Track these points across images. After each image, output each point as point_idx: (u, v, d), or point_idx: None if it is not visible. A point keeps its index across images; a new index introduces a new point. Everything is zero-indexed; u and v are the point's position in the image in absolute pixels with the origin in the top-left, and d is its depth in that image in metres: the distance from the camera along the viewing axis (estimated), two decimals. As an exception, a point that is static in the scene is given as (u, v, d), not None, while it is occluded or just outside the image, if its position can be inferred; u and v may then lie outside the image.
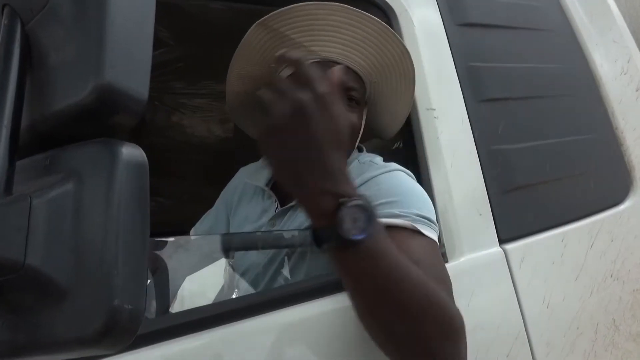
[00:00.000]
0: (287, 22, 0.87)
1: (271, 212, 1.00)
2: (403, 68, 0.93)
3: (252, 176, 1.09)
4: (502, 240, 0.93)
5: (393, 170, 0.87)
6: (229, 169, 1.23)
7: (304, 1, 0.85)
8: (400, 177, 0.86)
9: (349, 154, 0.95)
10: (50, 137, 0.54)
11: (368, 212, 0.55)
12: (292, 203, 0.95)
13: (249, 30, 0.89)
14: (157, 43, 1.54)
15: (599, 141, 1.13)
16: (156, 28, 1.46)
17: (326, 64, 0.90)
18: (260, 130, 0.55)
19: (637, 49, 1.25)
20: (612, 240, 1.03)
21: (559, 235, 0.98)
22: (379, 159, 0.94)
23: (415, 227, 0.75)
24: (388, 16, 1.05)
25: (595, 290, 0.97)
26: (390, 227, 0.75)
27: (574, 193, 1.05)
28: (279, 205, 1.00)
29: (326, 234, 0.56)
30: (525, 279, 0.91)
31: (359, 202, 0.55)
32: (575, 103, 1.15)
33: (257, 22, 0.88)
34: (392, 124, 1.03)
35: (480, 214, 0.94)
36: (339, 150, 0.55)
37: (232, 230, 1.13)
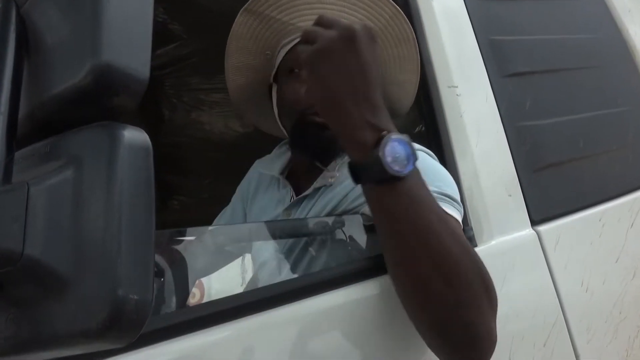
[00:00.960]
0: (270, 3, 0.84)
1: (287, 202, 0.97)
2: (399, 31, 0.87)
3: (267, 166, 1.06)
4: (535, 221, 0.88)
5: None
6: (250, 164, 1.20)
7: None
8: (421, 155, 0.81)
9: None
10: (50, 123, 0.52)
11: (409, 148, 0.54)
12: (307, 192, 0.92)
13: (236, 20, 0.86)
14: (170, 37, 1.52)
15: (635, 113, 1.06)
16: (168, 22, 1.45)
17: None
18: (309, 55, 0.56)
19: (673, 14, 1.17)
20: (655, 218, 0.96)
21: (596, 214, 0.92)
22: None
23: None
24: (404, -7, 1.00)
25: (639, 271, 0.91)
26: None
27: (610, 169, 0.98)
28: (294, 194, 0.96)
29: (366, 167, 0.55)
30: (561, 262, 0.85)
31: (401, 137, 0.54)
32: (608, 74, 1.08)
33: (241, 9, 0.84)
34: (403, 97, 0.97)
35: (510, 195, 0.89)
36: (378, 87, 0.56)
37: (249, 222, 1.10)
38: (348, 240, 0.85)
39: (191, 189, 2.52)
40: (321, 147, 0.85)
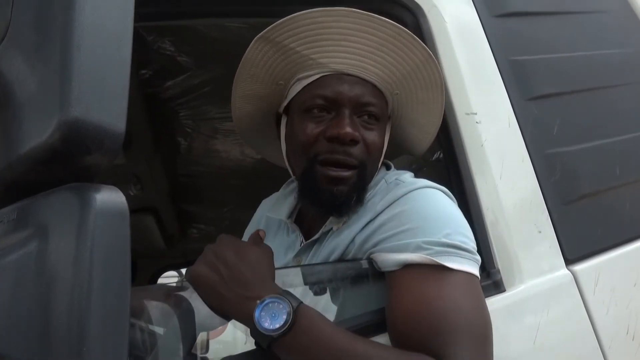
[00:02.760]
0: (290, 34, 0.78)
1: (296, 247, 0.90)
2: (427, 75, 0.81)
3: (274, 209, 1.00)
4: (569, 260, 0.79)
5: (420, 188, 0.75)
6: (268, 190, 1.15)
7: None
8: (428, 195, 0.75)
9: (373, 175, 0.84)
10: (20, 185, 0.47)
11: (282, 307, 0.61)
12: (316, 236, 0.85)
13: (250, 46, 0.81)
14: (180, 69, 1.50)
15: (677, 134, 0.96)
16: (176, 54, 1.41)
17: (337, 76, 0.80)
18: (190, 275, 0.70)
19: None
20: None
21: (638, 250, 0.82)
22: (406, 176, 0.83)
23: (437, 262, 0.64)
24: (415, 15, 0.95)
25: (692, 314, 0.80)
26: (412, 266, 0.67)
27: (653, 198, 0.89)
28: (303, 239, 0.90)
29: (254, 334, 0.62)
30: (602, 305, 0.76)
31: (274, 298, 0.62)
32: (643, 91, 0.99)
33: (257, 36, 0.79)
34: (422, 138, 0.91)
35: (540, 231, 0.80)
36: (254, 267, 0.67)
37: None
38: (357, 288, 0.79)
39: (211, 217, 2.50)
40: (335, 204, 0.79)
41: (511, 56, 0.95)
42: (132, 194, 2.05)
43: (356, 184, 0.78)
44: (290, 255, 0.90)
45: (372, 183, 0.84)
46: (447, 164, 0.88)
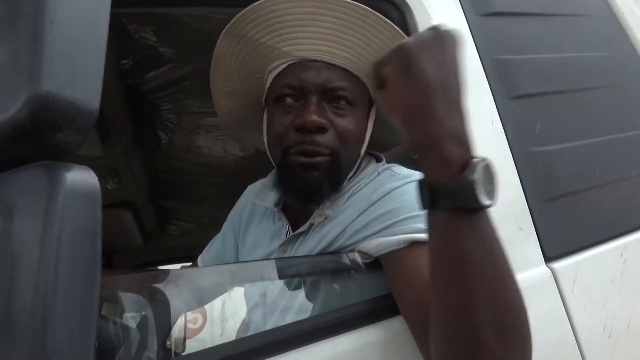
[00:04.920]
0: (253, 25, 0.77)
1: (282, 236, 0.89)
2: None
3: (260, 196, 0.99)
4: (549, 258, 0.79)
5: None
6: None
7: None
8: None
9: (353, 162, 0.83)
10: (-14, 163, 0.45)
11: (495, 175, 0.50)
12: (303, 228, 0.84)
13: (218, 44, 0.79)
14: (161, 60, 1.47)
15: (656, 137, 0.98)
16: (158, 45, 1.38)
17: (303, 64, 0.79)
18: (399, 51, 0.52)
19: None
20: (682, 253, 0.87)
21: (616, 249, 0.83)
22: (400, 169, 0.82)
23: None
24: (402, 11, 0.94)
25: (668, 313, 0.81)
26: (418, 244, 0.66)
27: (631, 199, 0.90)
28: (290, 229, 0.89)
29: (453, 191, 0.48)
30: (580, 303, 0.77)
31: (489, 164, 0.50)
32: (625, 94, 1.01)
33: (223, 32, 0.78)
34: None
35: (521, 229, 0.80)
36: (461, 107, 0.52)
37: (242, 256, 1.03)
38: (346, 280, 0.77)
39: (190, 214, 2.46)
40: (308, 191, 0.78)
41: (496, 55, 0.95)
42: (109, 187, 2.01)
43: (329, 170, 0.77)
44: (276, 243, 0.89)
45: (363, 173, 0.83)
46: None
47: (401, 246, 0.67)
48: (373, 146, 0.89)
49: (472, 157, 0.49)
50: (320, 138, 0.76)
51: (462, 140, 0.49)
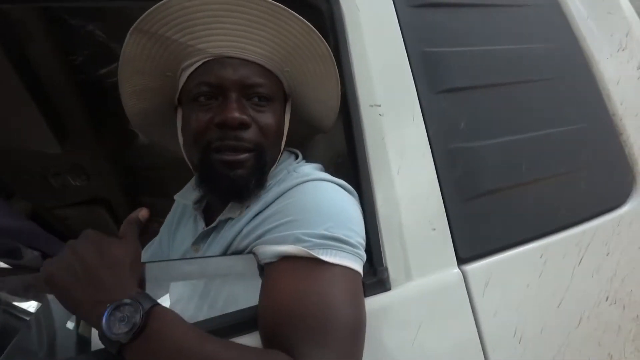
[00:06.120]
0: (163, 23, 0.74)
1: (196, 235, 0.87)
2: (313, 48, 0.78)
3: (183, 194, 0.97)
4: (462, 259, 0.76)
5: (310, 181, 0.72)
6: None
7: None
8: (318, 188, 0.71)
9: (275, 158, 0.80)
10: None
11: (132, 310, 0.57)
12: (213, 224, 0.82)
13: (126, 41, 0.76)
14: (114, 57, 1.45)
15: (591, 131, 0.94)
16: (108, 40, 1.32)
17: (219, 61, 0.76)
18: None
19: (638, 18, 1.05)
20: (607, 254, 0.83)
21: (536, 250, 0.80)
22: (305, 168, 0.79)
23: (312, 255, 0.61)
24: (330, 2, 0.91)
25: (585, 318, 0.78)
26: (287, 259, 0.64)
27: (558, 197, 0.86)
28: (205, 227, 0.86)
29: (102, 339, 0.58)
30: (490, 307, 0.73)
31: (125, 300, 0.58)
32: (562, 87, 0.96)
33: (131, 28, 0.75)
34: (326, 114, 0.88)
35: (434, 229, 0.77)
36: (114, 268, 0.61)
37: (170, 256, 1.01)
38: (241, 282, 0.75)
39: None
40: (234, 189, 0.76)
41: (425, 48, 0.91)
42: (77, 184, 2.00)
43: (254, 166, 0.75)
44: (189, 242, 0.87)
45: (275, 171, 0.81)
46: (349, 156, 0.85)
47: (272, 260, 0.65)
48: (290, 142, 0.86)
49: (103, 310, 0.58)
50: (244, 134, 0.74)
51: (100, 301, 0.58)
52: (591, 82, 0.98)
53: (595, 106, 0.96)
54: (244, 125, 0.74)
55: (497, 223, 0.80)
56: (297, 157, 0.87)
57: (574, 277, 0.79)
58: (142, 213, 0.68)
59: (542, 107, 0.93)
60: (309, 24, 0.76)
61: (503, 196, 0.82)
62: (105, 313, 0.56)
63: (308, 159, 0.91)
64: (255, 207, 0.75)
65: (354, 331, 0.61)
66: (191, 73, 0.78)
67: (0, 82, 1.23)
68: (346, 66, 0.86)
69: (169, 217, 1.07)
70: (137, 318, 0.56)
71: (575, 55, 1.00)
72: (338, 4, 0.91)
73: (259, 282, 0.72)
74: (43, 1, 1.09)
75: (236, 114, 0.73)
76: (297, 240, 0.64)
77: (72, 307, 0.61)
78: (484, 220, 0.80)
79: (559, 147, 0.90)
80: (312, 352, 0.57)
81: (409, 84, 0.87)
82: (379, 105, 0.84)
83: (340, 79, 0.86)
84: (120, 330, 0.56)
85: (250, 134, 0.75)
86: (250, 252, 0.72)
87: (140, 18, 0.75)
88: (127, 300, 0.57)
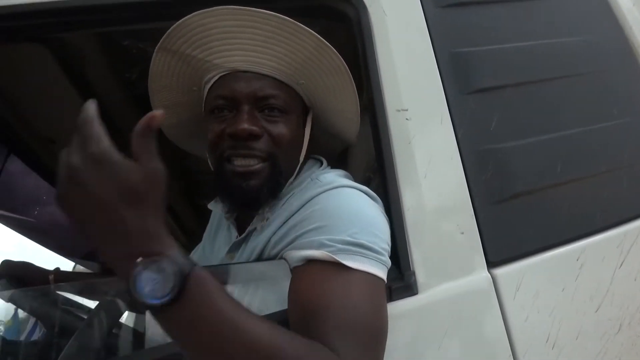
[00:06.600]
0: (183, 40, 0.79)
1: (230, 243, 0.91)
2: (327, 62, 0.80)
3: (217, 203, 1.02)
4: (492, 263, 0.75)
5: (335, 188, 0.74)
6: None
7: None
8: (342, 195, 0.73)
9: (292, 168, 0.83)
10: None
11: (170, 272, 0.47)
12: (243, 235, 0.86)
13: (153, 59, 0.82)
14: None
15: (636, 126, 0.89)
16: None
17: (233, 75, 0.80)
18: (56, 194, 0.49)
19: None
20: (653, 255, 0.79)
21: (572, 253, 0.77)
22: (328, 175, 0.81)
23: (335, 260, 0.62)
24: (357, 8, 0.93)
25: (626, 324, 0.74)
26: (313, 262, 0.65)
27: (598, 197, 0.82)
28: (238, 236, 0.91)
29: (133, 300, 0.48)
30: (521, 312, 0.72)
31: (161, 262, 0.47)
32: (605, 81, 0.92)
33: (156, 47, 0.80)
34: (347, 126, 0.90)
35: (463, 232, 0.77)
36: (137, 206, 0.47)
37: (212, 263, 1.06)
38: (273, 287, 0.78)
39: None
40: (247, 198, 0.80)
41: (454, 48, 0.91)
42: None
43: (268, 176, 0.79)
44: (224, 251, 0.91)
45: (298, 180, 0.84)
46: (377, 162, 0.86)
47: (299, 263, 0.67)
48: (318, 151, 0.89)
49: (135, 266, 0.47)
50: (255, 144, 0.78)
51: (129, 253, 0.47)
52: (637, 73, 0.93)
53: (641, 99, 0.91)
54: (253, 136, 0.77)
55: (530, 225, 0.78)
56: (321, 164, 0.89)
57: (614, 280, 0.76)
58: (156, 117, 0.49)
59: (581, 103, 0.89)
60: (321, 38, 0.78)
61: (536, 198, 0.80)
62: (136, 271, 0.47)
63: (348, 168, 0.92)
64: (280, 217, 0.78)
65: (376, 335, 0.62)
66: (210, 87, 0.83)
67: (63, 102, 1.34)
68: (373, 72, 0.87)
69: (209, 224, 1.12)
70: (176, 281, 0.47)
71: (620, 46, 0.95)
72: (365, 10, 0.92)
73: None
74: (99, 27, 1.18)
75: (245, 125, 0.76)
76: (321, 245, 0.66)
77: (94, 244, 0.49)
78: (515, 223, 0.78)
79: (599, 144, 0.86)
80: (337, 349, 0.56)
81: (437, 87, 0.87)
82: (406, 110, 0.85)
83: (367, 85, 0.87)
84: (155, 293, 0.47)
85: (261, 144, 0.78)
86: (281, 258, 0.75)
87: (164, 37, 0.80)
88: (163, 259, 0.48)
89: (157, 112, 0.49)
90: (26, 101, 1.34)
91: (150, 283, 0.46)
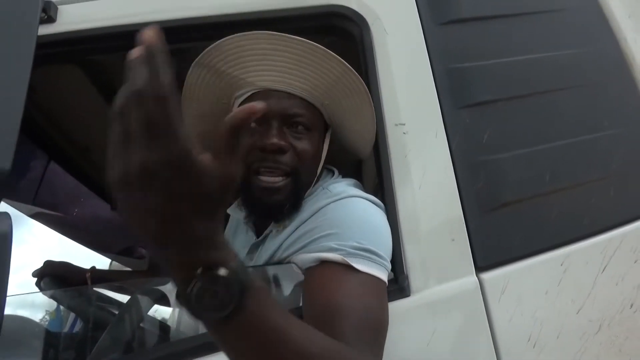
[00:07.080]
0: (220, 58, 0.87)
1: (249, 246, 1.00)
2: (350, 84, 0.87)
3: (236, 209, 1.10)
4: (480, 268, 0.81)
5: (344, 198, 0.82)
6: None
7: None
8: (350, 205, 0.81)
9: (310, 181, 0.91)
10: None
11: (230, 287, 0.44)
12: (260, 238, 0.94)
13: (189, 72, 0.90)
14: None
15: (627, 136, 0.93)
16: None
17: (265, 92, 0.88)
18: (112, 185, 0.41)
19: (685, 14, 1.00)
20: (636, 261, 0.83)
21: (556, 258, 0.82)
22: (338, 185, 0.89)
23: (346, 262, 0.69)
24: (361, 27, 0.99)
25: (606, 324, 0.79)
26: (322, 262, 0.72)
27: (584, 205, 0.87)
28: (255, 238, 0.99)
29: (185, 305, 0.45)
30: (505, 313, 0.78)
31: (222, 274, 0.44)
32: (596, 93, 0.96)
33: (194, 62, 0.89)
34: (361, 144, 0.97)
35: (453, 239, 0.83)
36: (208, 214, 0.43)
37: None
38: (282, 289, 0.87)
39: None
40: (270, 213, 0.88)
41: (451, 64, 0.96)
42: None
43: (291, 192, 0.86)
44: (244, 253, 1.00)
45: (311, 189, 0.92)
46: (377, 173, 0.93)
47: (313, 264, 0.74)
48: (331, 162, 0.97)
49: (195, 276, 0.44)
50: (281, 158, 0.85)
51: (190, 261, 0.44)
52: (631, 85, 0.96)
53: (636, 110, 0.95)
54: (282, 150, 0.85)
55: (517, 232, 0.84)
56: (333, 174, 0.97)
57: (596, 284, 0.81)
58: (257, 109, 0.45)
59: (571, 115, 0.93)
60: (346, 63, 0.85)
61: (524, 206, 0.86)
62: (195, 281, 0.43)
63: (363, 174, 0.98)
64: (293, 224, 0.86)
65: (379, 330, 0.68)
66: (242, 102, 0.91)
67: (96, 114, 1.45)
68: (374, 87, 0.93)
69: (227, 227, 1.20)
70: (236, 297, 0.44)
71: (614, 58, 0.98)
72: (368, 28, 0.99)
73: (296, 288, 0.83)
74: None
75: (275, 140, 0.84)
76: (333, 249, 0.73)
77: (149, 245, 0.44)
78: (503, 230, 0.84)
79: (588, 154, 0.90)
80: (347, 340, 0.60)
81: (433, 102, 0.93)
82: (404, 124, 0.91)
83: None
84: (212, 306, 0.44)
85: (287, 158, 0.86)
86: (289, 262, 0.83)
87: (202, 54, 0.89)
88: (224, 272, 0.44)
89: (259, 104, 0.45)
90: (64, 114, 1.47)
91: (208, 295, 0.43)
